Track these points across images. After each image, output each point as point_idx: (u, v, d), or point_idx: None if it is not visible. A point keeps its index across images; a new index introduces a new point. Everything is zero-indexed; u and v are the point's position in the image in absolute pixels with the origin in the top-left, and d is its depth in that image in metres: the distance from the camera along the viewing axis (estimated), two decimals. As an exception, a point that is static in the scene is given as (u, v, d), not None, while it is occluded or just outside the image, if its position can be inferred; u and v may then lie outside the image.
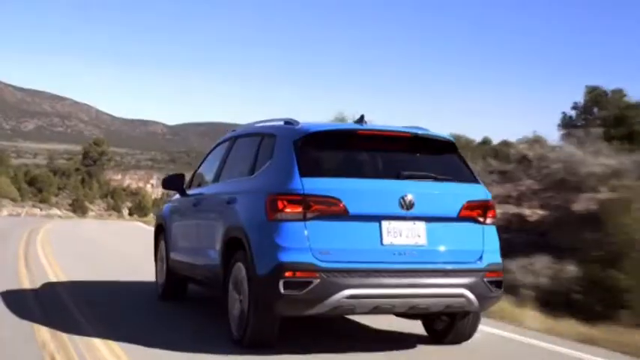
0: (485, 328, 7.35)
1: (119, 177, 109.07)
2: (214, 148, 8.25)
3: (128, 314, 7.87)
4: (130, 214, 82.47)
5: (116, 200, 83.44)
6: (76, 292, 9.19)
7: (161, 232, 9.12)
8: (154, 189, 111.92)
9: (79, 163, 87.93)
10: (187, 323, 7.48)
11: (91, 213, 70.41)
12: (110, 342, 6.29)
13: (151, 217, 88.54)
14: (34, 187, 66.81)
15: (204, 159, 8.47)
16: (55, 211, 61.35)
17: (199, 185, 8.15)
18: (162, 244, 9.02)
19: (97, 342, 6.28)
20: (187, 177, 8.71)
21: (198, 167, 8.56)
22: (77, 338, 6.38)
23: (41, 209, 59.38)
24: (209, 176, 7.94)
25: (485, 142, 30.12)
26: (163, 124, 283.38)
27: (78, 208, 67.78)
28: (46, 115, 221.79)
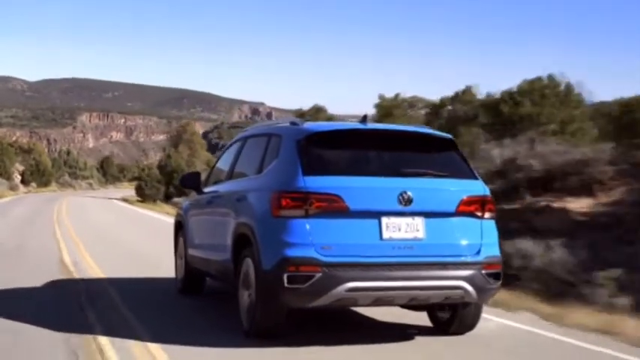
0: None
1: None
2: (228, 147, 8.62)
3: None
4: (24, 181, 61.97)
5: (5, 161, 59.70)
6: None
7: (180, 229, 9.52)
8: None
9: None
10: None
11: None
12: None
13: (54, 186, 64.09)
14: None
15: (219, 157, 8.85)
16: None
17: (215, 183, 8.49)
18: (181, 240, 9.41)
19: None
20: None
21: (214, 166, 8.94)
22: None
23: None
24: (222, 175, 8.29)
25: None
26: (23, 81, 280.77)
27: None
28: None
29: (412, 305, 6.98)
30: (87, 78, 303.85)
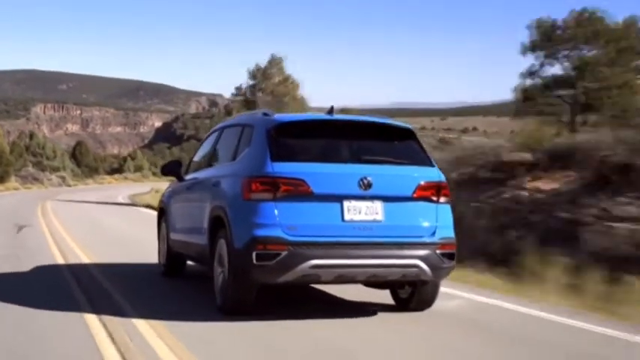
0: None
1: None
2: (207, 136, 9.22)
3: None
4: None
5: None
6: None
7: (162, 215, 10.11)
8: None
9: None
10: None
11: None
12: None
13: (14, 181, 48.48)
14: None
15: (199, 147, 9.45)
16: None
17: (194, 171, 9.08)
18: (163, 225, 9.99)
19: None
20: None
21: (194, 155, 9.53)
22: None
23: None
24: (201, 162, 8.93)
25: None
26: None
27: None
28: None
29: (375, 283, 7.59)
30: (40, 69, 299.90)
